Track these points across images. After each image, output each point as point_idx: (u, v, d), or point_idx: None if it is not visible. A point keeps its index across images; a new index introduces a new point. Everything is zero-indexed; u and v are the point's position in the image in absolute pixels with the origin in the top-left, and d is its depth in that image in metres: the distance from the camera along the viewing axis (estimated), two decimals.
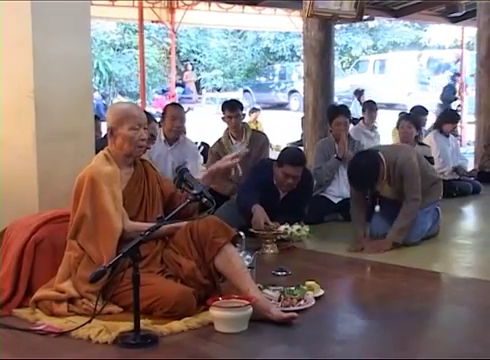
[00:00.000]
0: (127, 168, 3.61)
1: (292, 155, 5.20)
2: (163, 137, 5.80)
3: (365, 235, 5.07)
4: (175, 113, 5.83)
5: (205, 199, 3.28)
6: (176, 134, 5.83)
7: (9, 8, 3.89)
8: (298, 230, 4.90)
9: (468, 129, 12.48)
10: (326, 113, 7.06)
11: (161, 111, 6.77)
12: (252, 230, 4.80)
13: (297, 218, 5.08)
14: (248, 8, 13.75)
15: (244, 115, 6.70)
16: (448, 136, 7.96)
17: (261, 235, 4.83)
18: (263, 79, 26.01)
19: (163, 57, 28.01)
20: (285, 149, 5.52)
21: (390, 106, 19.28)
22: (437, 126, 7.95)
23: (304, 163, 5.25)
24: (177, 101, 19.64)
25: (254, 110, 14.43)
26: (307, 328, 3.22)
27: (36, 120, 3.83)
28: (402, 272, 4.39)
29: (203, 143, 10.91)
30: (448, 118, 8.03)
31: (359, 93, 15.12)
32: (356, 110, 12.63)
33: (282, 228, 4.87)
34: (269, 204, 5.08)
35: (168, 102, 15.45)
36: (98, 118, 6.13)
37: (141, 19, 13.72)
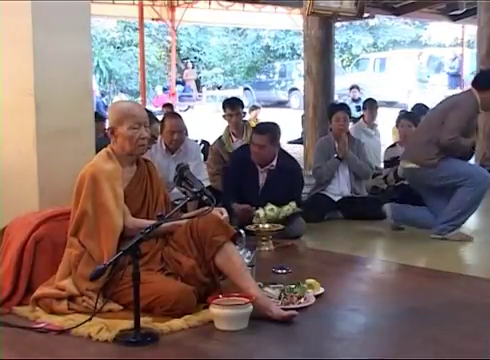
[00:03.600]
0: (130, 167, 3.61)
1: (260, 125, 5.37)
2: (164, 146, 5.57)
3: None
4: (173, 127, 5.54)
5: (205, 197, 3.28)
6: (176, 146, 5.58)
7: (9, 6, 3.89)
8: (287, 209, 4.96)
9: None
10: (326, 111, 7.06)
11: (161, 109, 6.77)
12: (248, 228, 4.77)
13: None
14: (248, 6, 13.78)
15: (244, 113, 6.69)
16: None
17: (256, 232, 4.82)
18: (263, 77, 26.00)
19: (163, 55, 28.04)
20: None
21: (390, 104, 19.28)
22: None
23: (269, 132, 5.22)
24: (177, 99, 19.67)
25: (254, 108, 14.44)
26: (307, 326, 3.23)
27: (36, 118, 3.82)
28: (402, 270, 4.39)
29: (203, 141, 10.92)
30: None
31: (350, 89, 14.99)
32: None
33: (267, 208, 4.90)
34: (250, 187, 5.17)
35: (168, 100, 15.51)
36: (103, 119, 6.08)
37: (141, 17, 13.76)
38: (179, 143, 5.60)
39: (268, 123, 5.61)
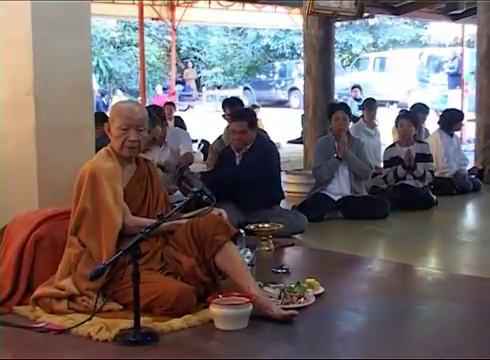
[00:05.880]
0: (129, 166, 3.62)
1: (237, 111, 5.65)
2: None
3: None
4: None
5: (205, 196, 3.28)
6: (159, 141, 5.76)
7: (9, 5, 3.88)
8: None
9: (468, 127, 12.46)
10: (326, 110, 7.06)
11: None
12: (248, 227, 4.75)
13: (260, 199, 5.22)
14: (248, 5, 13.78)
15: None
16: (452, 135, 7.95)
17: (256, 232, 4.81)
18: (263, 77, 25.99)
19: (163, 55, 28.01)
20: None
21: (390, 104, 19.28)
22: (443, 125, 7.92)
23: (247, 117, 5.38)
24: (177, 99, 19.64)
25: (254, 107, 14.43)
26: (307, 326, 3.23)
27: (36, 117, 3.82)
28: (402, 269, 4.39)
29: (203, 140, 10.92)
30: (456, 117, 8.01)
31: (352, 88, 15.17)
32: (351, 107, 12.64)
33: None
34: (227, 164, 5.34)
35: (168, 100, 15.50)
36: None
37: (141, 16, 13.74)
38: (160, 138, 5.76)
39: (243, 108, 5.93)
